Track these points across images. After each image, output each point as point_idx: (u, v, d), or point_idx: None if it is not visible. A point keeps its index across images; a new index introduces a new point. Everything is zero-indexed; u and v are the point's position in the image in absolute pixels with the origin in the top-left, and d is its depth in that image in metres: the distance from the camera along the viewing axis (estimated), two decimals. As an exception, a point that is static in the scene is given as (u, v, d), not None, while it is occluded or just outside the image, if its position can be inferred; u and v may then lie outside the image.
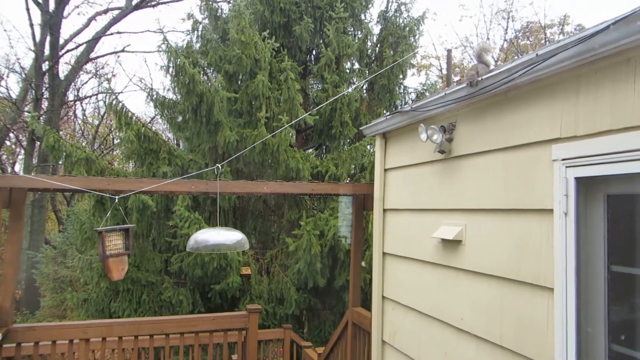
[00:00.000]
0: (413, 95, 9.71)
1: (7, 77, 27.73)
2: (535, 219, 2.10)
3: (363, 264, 5.64)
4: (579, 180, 1.88)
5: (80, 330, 4.10)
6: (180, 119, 8.62)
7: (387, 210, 3.57)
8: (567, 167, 1.92)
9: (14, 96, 19.85)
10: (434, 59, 19.19)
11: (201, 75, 8.67)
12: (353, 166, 8.52)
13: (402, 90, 9.68)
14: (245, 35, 7.74)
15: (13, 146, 24.35)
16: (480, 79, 2.36)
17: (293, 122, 7.51)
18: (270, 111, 7.87)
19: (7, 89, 21.50)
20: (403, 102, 9.67)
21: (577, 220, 1.88)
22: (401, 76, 9.33)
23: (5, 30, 39.87)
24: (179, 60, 7.68)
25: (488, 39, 18.48)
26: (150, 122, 18.70)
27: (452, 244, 2.67)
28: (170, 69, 7.84)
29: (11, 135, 21.08)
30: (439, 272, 2.80)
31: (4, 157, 23.90)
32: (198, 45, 9.17)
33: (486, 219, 2.43)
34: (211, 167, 3.80)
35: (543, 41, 17.03)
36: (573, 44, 1.83)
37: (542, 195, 2.06)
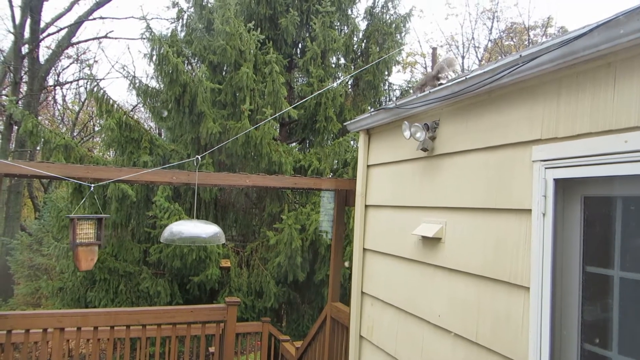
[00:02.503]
0: (398, 92, 9.75)
1: (-15, 59, 27.02)
2: (513, 219, 2.13)
3: (347, 264, 5.67)
4: (557, 182, 1.91)
5: (55, 320, 4.03)
6: (164, 111, 8.51)
7: (369, 207, 3.58)
8: (546, 168, 1.94)
9: (-9, 79, 19.34)
10: (420, 57, 19.29)
11: (185, 65, 8.56)
12: (336, 161, 8.54)
13: (387, 87, 9.70)
14: (230, 26, 7.66)
15: (-11, 131, 23.76)
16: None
17: (277, 115, 7.47)
18: (254, 103, 7.82)
19: (-16, 72, 20.92)
20: (388, 99, 9.70)
21: (555, 221, 1.91)
22: (386, 73, 9.35)
23: (-17, 11, 38.79)
24: (162, 49, 7.57)
25: (473, 38, 18.66)
26: (132, 110, 18.40)
27: (432, 242, 2.69)
28: (154, 57, 7.73)
29: (-13, 119, 20.55)
30: (418, 269, 2.83)
31: (-20, 141, 23.31)
32: (183, 34, 9.05)
33: (466, 217, 2.45)
34: (193, 158, 3.75)
35: (527, 42, 17.24)
36: (556, 46, 1.85)
37: (521, 196, 2.08)
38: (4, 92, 18.35)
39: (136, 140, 7.76)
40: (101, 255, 7.51)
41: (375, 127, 3.50)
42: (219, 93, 8.04)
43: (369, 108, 9.13)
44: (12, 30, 17.12)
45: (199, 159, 3.63)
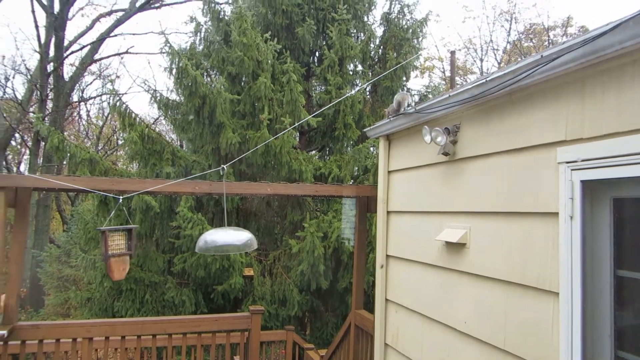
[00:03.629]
0: (416, 97, 9.70)
1: (13, 78, 27.92)
2: (540, 222, 2.09)
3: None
4: (584, 183, 1.86)
5: (83, 329, 4.09)
6: (182, 119, 8.63)
7: (391, 213, 3.56)
8: (572, 170, 1.90)
9: (19, 97, 19.94)
10: (437, 61, 19.19)
11: (204, 77, 8.68)
12: (356, 168, 8.51)
13: (405, 92, 9.66)
14: (247, 37, 7.75)
15: (18, 146, 24.47)
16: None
17: (296, 124, 7.50)
18: (273, 113, 7.87)
19: (13, 90, 21.60)
20: (406, 105, 9.65)
21: (583, 224, 1.86)
22: (404, 78, 9.32)
23: (11, 32, 40.13)
24: (181, 62, 7.70)
25: (491, 40, 18.48)
26: (154, 123, 18.75)
27: (456, 247, 2.65)
28: (173, 71, 7.86)
29: (17, 135, 21.17)
30: (443, 275, 2.79)
31: (10, 157, 24.01)
32: (201, 47, 9.19)
33: (490, 221, 2.42)
34: (214, 168, 3.79)
35: (546, 43, 17.00)
36: (578, 45, 1.82)
37: (547, 199, 2.04)
38: (31, 109, 18.88)
39: (158, 152, 7.89)
40: (127, 266, 7.60)
41: (395, 133, 3.49)
42: (237, 103, 8.12)
43: (389, 116, 9.09)
44: (37, 49, 17.65)
45: (225, 168, 3.66)
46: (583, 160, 1.86)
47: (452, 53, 4.70)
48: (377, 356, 3.55)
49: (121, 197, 3.61)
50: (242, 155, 7.19)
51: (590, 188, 1.87)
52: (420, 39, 9.45)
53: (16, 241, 3.86)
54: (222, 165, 3.76)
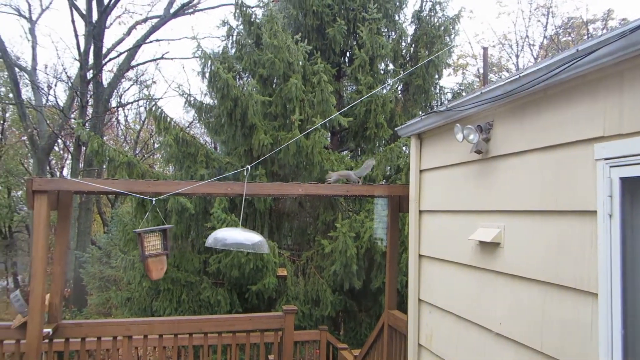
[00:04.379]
0: (449, 96, 9.55)
1: (55, 86, 29.09)
2: (577, 221, 2.03)
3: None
4: (624, 181, 1.80)
5: (123, 328, 4.23)
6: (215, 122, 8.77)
7: (423, 212, 3.52)
8: (611, 166, 1.84)
9: (61, 104, 20.77)
10: (471, 58, 18.83)
11: (236, 80, 8.81)
12: (388, 168, 8.46)
13: (437, 91, 9.54)
14: (278, 39, 7.82)
15: (61, 151, 25.48)
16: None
17: (323, 121, 7.49)
18: (304, 114, 7.91)
19: (55, 97, 22.53)
20: (439, 103, 9.53)
21: (623, 223, 1.80)
22: (437, 76, 9.20)
23: (52, 42, 41.85)
24: (213, 66, 7.84)
25: (527, 36, 17.98)
26: (188, 127, 19.16)
27: (489, 247, 2.61)
28: (206, 74, 8.01)
29: (59, 141, 22.06)
30: (477, 275, 2.74)
31: (53, 162, 25.03)
32: (233, 50, 9.32)
33: (525, 220, 2.36)
34: (247, 171, 3.85)
35: (585, 37, 16.43)
36: (615, 38, 1.76)
37: (584, 197, 1.98)
38: (72, 115, 19.62)
39: (193, 154, 8.05)
40: (164, 266, 7.80)
41: (427, 131, 3.45)
42: (269, 105, 8.21)
43: (420, 113, 9.00)
44: (77, 57, 18.33)
45: (249, 168, 3.72)
46: (622, 157, 1.79)
47: (485, 49, 4.62)
48: (411, 357, 3.52)
49: (154, 198, 3.71)
50: (270, 153, 7.26)
51: (630, 185, 1.81)
52: (452, 36, 9.30)
53: (59, 242, 4.03)
54: (247, 166, 3.82)
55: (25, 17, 20.56)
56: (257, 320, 4.65)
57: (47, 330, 3.74)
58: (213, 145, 13.23)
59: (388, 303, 4.38)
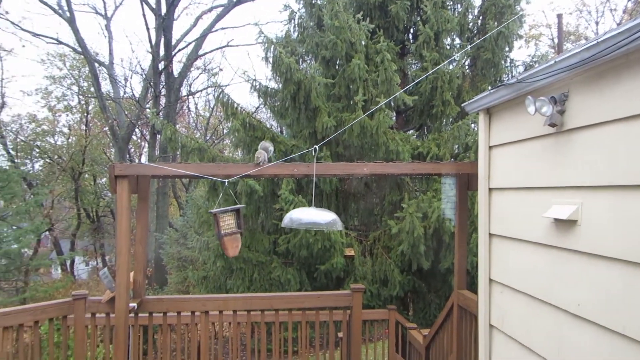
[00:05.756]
0: (521, 69, 9.07)
1: (131, 78, 30.83)
2: (664, 195, 1.88)
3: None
4: None
5: (200, 303, 4.48)
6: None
7: (493, 190, 3.40)
8: None
9: (137, 95, 22.00)
10: (545, 28, 17.70)
11: (300, 63, 8.88)
12: (456, 146, 8.22)
13: (508, 64, 9.08)
14: (339, 20, 7.76)
15: (139, 140, 27.11)
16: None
17: (385, 100, 7.38)
18: (368, 94, 7.85)
19: (131, 89, 23.92)
20: (510, 76, 9.07)
21: None
22: (507, 48, 8.75)
23: (126, 36, 44.20)
24: (275, 50, 7.94)
25: (608, 0, 16.55)
26: (255, 112, 19.64)
27: (565, 224, 2.48)
28: (269, 59, 8.14)
29: (137, 130, 23.45)
30: (551, 254, 2.63)
31: (132, 150, 26.70)
32: (296, 34, 9.39)
33: (605, 196, 2.22)
34: (315, 152, 3.91)
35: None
36: None
37: (673, 168, 1.83)
38: (147, 105, 20.74)
39: (260, 138, 8.27)
40: (237, 246, 8.16)
41: (496, 106, 3.31)
42: (332, 87, 8.21)
43: (489, 88, 8.62)
44: (149, 50, 19.27)
45: (317, 148, 3.77)
46: None
47: (559, 16, 4.32)
48: (482, 338, 3.45)
49: (226, 180, 3.87)
50: (335, 134, 7.28)
51: None
52: (523, 4, 8.78)
53: (140, 224, 4.31)
54: (314, 146, 3.87)
55: (101, 15, 21.87)
56: (325, 298, 4.74)
57: (133, 304, 4.04)
58: (279, 128, 13.49)
59: (457, 283, 4.30)
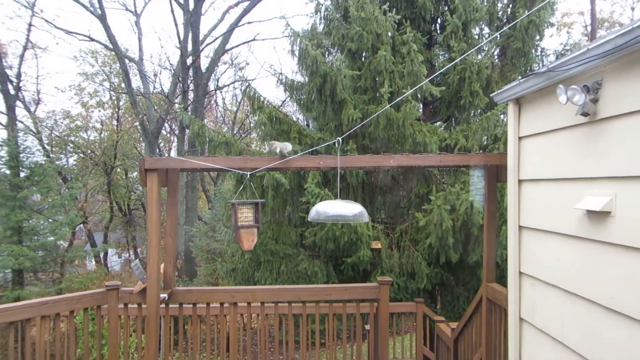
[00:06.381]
0: (552, 58, 8.84)
1: (160, 74, 31.38)
2: None
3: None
4: None
5: (228, 295, 4.56)
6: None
7: (523, 181, 3.34)
8: None
9: (166, 90, 22.38)
10: (577, 15, 17.16)
11: (326, 56, 8.86)
12: (485, 137, 8.08)
13: (539, 53, 8.86)
14: (365, 12, 7.70)
15: (168, 135, 27.62)
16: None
17: (410, 91, 7.29)
18: (394, 85, 7.78)
19: (160, 84, 24.33)
20: (540, 66, 8.83)
21: None
22: (537, 37, 8.52)
23: (155, 32, 44.99)
24: (301, 43, 7.95)
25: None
26: (281, 105, 19.75)
27: (598, 216, 2.42)
28: (295, 52, 8.16)
29: (166, 125, 23.90)
30: (584, 247, 2.57)
31: (162, 145, 27.24)
32: (321, 26, 9.36)
33: (641, 187, 2.15)
34: (338, 144, 3.91)
35: None
36: None
37: None
38: (176, 100, 21.09)
39: (286, 131, 8.31)
40: (264, 239, 8.25)
41: (526, 95, 3.24)
42: (358, 79, 8.17)
43: (519, 78, 8.43)
44: (178, 45, 19.56)
45: (340, 140, 3.76)
46: None
47: (592, 2, 4.18)
48: (512, 331, 3.41)
49: (249, 173, 3.91)
50: (358, 126, 7.25)
51: None
52: (555, -9, 8.54)
53: (169, 216, 4.41)
54: (337, 138, 3.86)
55: (131, 11, 22.29)
56: (352, 291, 4.76)
57: (164, 295, 4.14)
58: (305, 122, 13.53)
59: (486, 276, 4.25)
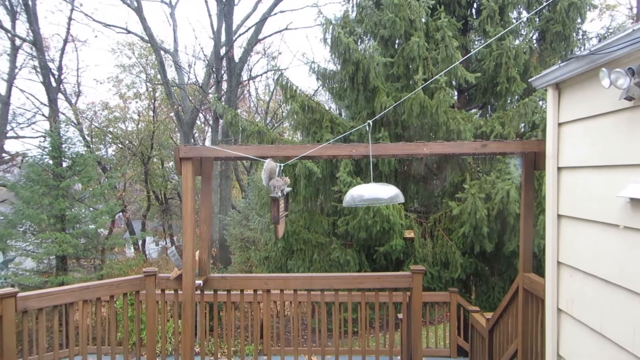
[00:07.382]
0: (594, 41, 8.48)
1: (194, 64, 31.85)
2: None
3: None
4: None
5: (262, 282, 4.63)
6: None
7: (562, 169, 3.24)
8: None
9: (200, 81, 22.70)
10: (622, -4, 16.34)
11: (358, 43, 8.78)
12: (522, 124, 7.86)
13: (580, 37, 8.52)
14: (399, -3, 7.58)
15: (202, 125, 28.07)
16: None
17: (439, 74, 7.13)
18: (428, 72, 7.64)
19: (195, 75, 24.73)
20: (582, 50, 8.49)
21: None
22: (579, 20, 8.19)
23: (190, 24, 45.59)
24: (334, 31, 7.90)
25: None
26: (314, 94, 19.74)
27: (643, 204, 2.33)
28: (328, 40, 8.11)
29: (200, 115, 24.28)
30: (627, 236, 2.48)
31: (196, 134, 27.71)
32: (354, 13, 9.28)
33: (689, 173, 2.06)
34: (371, 132, 3.88)
35: None
36: None
37: None
38: (210, 91, 21.37)
39: (318, 120, 8.31)
40: (296, 227, 8.32)
41: (566, 80, 3.13)
42: (391, 66, 8.07)
43: (559, 62, 8.14)
44: (211, 36, 19.76)
45: (370, 123, 3.73)
46: None
47: (640, -20, 3.97)
48: (549, 322, 3.33)
49: (282, 164, 3.93)
50: (389, 108, 7.17)
51: None
52: (598, -30, 8.16)
53: (204, 204, 4.49)
54: (368, 121, 3.83)
55: (166, 3, 22.62)
56: (384, 279, 4.74)
57: (199, 282, 4.24)
58: (337, 110, 13.48)
59: (523, 265, 4.16)
